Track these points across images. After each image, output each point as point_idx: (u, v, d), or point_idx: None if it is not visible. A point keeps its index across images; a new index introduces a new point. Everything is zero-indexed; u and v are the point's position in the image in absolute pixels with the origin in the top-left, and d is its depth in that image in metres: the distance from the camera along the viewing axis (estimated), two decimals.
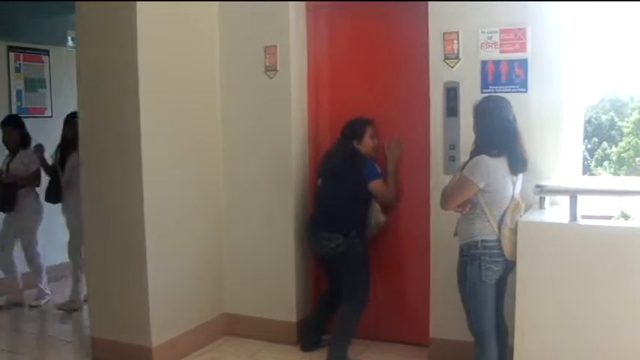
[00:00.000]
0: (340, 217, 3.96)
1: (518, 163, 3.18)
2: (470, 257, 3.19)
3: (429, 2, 3.84)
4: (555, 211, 3.36)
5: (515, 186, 3.21)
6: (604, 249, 2.98)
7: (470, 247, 3.19)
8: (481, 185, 3.12)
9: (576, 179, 3.75)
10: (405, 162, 4.15)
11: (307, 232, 4.22)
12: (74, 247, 5.35)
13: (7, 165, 5.39)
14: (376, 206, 4.05)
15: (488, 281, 3.16)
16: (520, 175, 3.25)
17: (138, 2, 3.81)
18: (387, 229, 4.18)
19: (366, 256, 4.03)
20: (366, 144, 4.06)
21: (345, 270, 3.98)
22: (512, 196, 3.19)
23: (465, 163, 3.24)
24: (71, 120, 5.15)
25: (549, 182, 3.42)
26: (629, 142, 25.69)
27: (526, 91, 3.65)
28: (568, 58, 3.65)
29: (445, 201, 3.29)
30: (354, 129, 4.07)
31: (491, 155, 3.13)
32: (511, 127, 3.19)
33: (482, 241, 3.15)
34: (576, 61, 3.87)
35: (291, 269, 4.35)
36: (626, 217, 3.24)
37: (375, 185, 4.01)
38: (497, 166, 3.13)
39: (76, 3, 4.08)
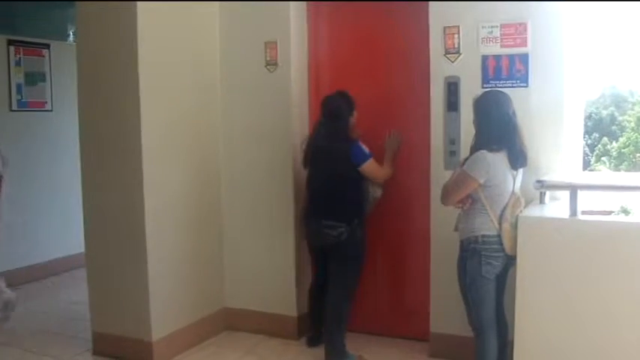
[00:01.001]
0: (341, 205, 3.84)
1: (518, 158, 3.18)
2: (470, 252, 3.19)
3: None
4: (555, 207, 3.36)
5: (515, 181, 3.21)
6: (604, 244, 2.98)
7: (470, 242, 3.19)
8: (481, 181, 3.11)
9: (576, 174, 3.75)
10: (405, 156, 4.12)
11: (305, 222, 4.09)
12: None
13: None
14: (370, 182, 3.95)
15: (488, 276, 3.17)
16: (520, 170, 3.25)
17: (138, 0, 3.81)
18: (387, 223, 4.17)
19: (364, 245, 3.97)
20: (356, 119, 3.93)
21: (342, 257, 3.88)
22: (513, 191, 3.19)
23: (465, 159, 3.23)
24: None
25: (549, 177, 3.42)
26: (630, 138, 25.68)
27: (527, 86, 3.64)
28: (569, 52, 3.65)
29: (445, 197, 3.29)
30: (346, 104, 3.88)
31: (491, 150, 3.13)
32: (511, 121, 3.19)
33: (483, 236, 3.15)
34: (577, 56, 3.86)
35: (291, 263, 4.35)
36: (626, 212, 3.23)
37: (366, 168, 3.84)
38: (498, 161, 3.13)
39: None
